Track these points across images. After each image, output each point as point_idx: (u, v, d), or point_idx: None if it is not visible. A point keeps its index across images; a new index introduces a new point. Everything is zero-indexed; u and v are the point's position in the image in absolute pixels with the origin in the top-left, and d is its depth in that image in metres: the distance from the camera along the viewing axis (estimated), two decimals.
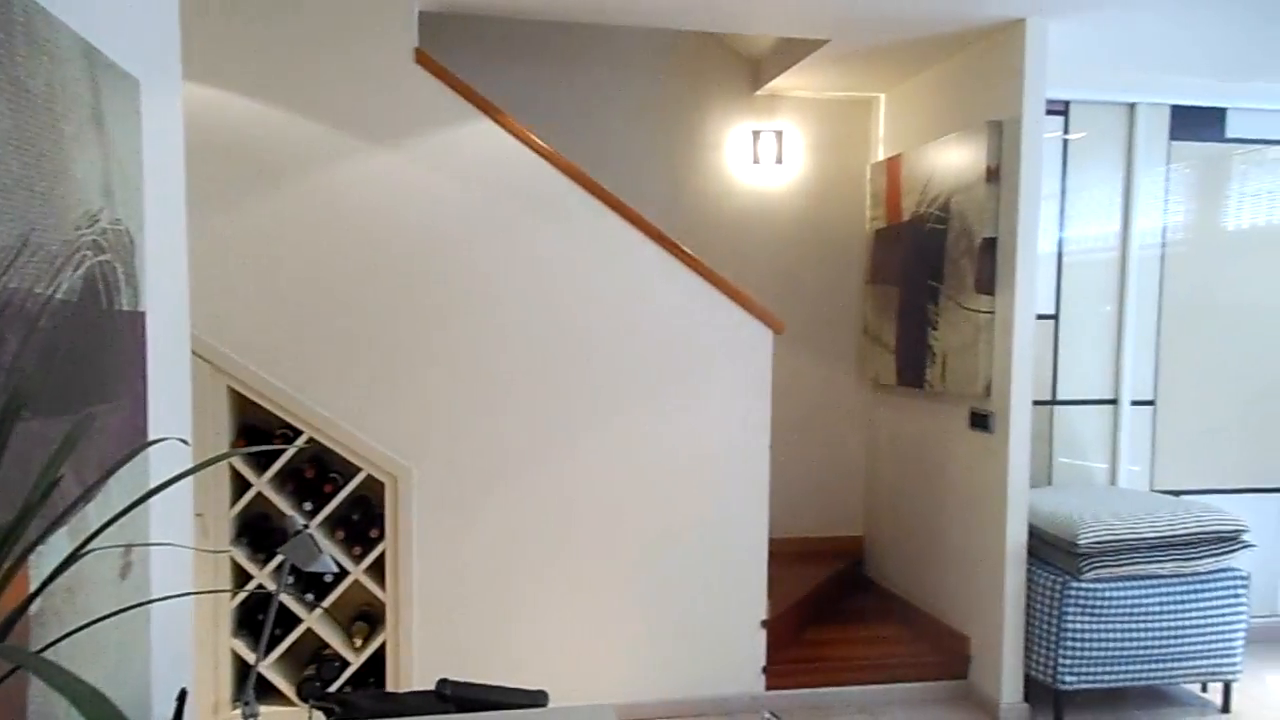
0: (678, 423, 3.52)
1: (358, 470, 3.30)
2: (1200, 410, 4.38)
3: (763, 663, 3.64)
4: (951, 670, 3.83)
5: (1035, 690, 3.63)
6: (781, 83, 4.48)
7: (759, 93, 4.65)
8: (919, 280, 4.13)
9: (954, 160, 3.84)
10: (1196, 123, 4.29)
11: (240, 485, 3.25)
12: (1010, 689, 3.60)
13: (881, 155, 4.67)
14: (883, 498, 4.69)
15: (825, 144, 4.77)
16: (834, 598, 4.49)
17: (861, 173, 4.78)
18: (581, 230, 3.41)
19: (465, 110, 3.28)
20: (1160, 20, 3.46)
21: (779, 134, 4.67)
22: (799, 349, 4.79)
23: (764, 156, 4.66)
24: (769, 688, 3.65)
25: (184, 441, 1.68)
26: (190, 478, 2.03)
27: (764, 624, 3.64)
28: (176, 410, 1.96)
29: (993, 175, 3.61)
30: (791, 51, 4.15)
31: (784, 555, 4.61)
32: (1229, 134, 4.32)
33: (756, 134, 4.65)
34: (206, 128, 3.12)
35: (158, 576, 1.79)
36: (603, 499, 3.49)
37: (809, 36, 3.79)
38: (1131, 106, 4.21)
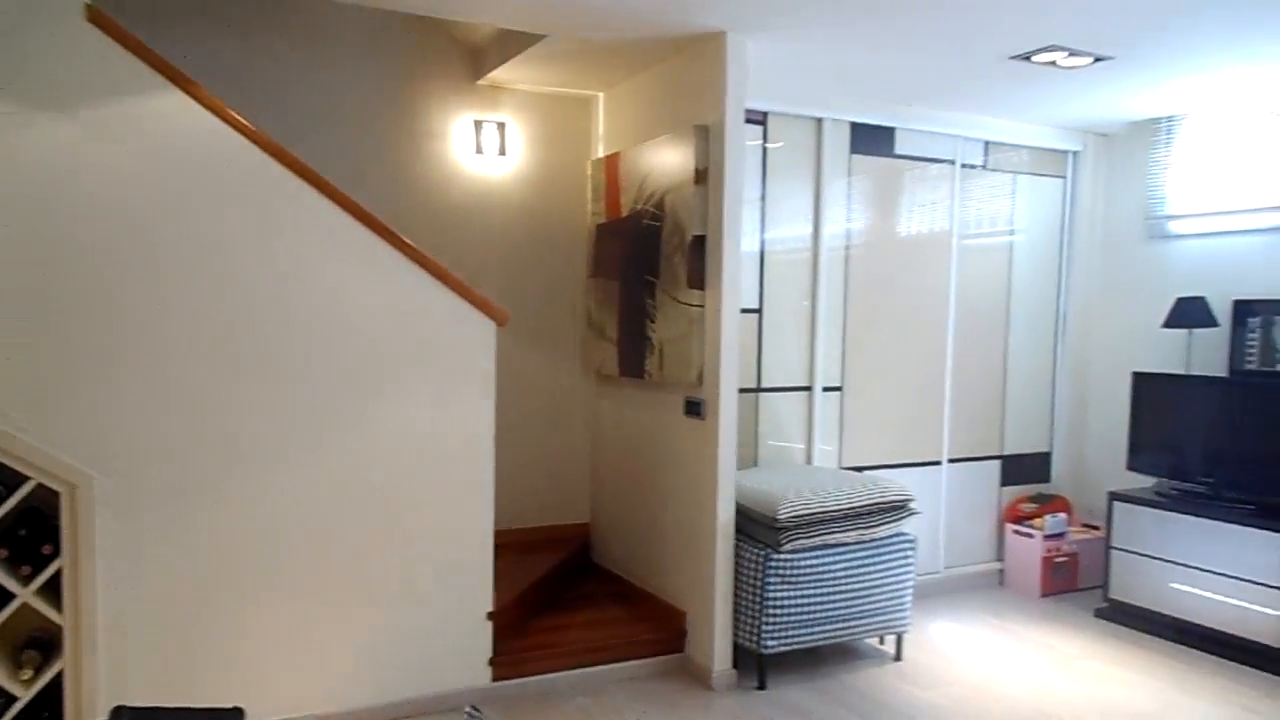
0: (395, 417, 3.43)
1: (25, 479, 2.91)
2: (877, 395, 4.94)
3: (489, 654, 3.64)
4: (670, 645, 4.03)
5: (743, 656, 3.92)
6: (503, 74, 4.48)
7: (481, 83, 4.62)
8: (637, 274, 4.31)
9: (667, 161, 4.04)
10: (871, 139, 4.82)
11: None
12: (721, 657, 3.86)
13: (602, 152, 4.82)
14: (607, 485, 4.85)
15: (548, 138, 4.83)
16: (561, 585, 4.58)
17: (583, 168, 4.90)
18: (285, 214, 3.21)
19: (149, 78, 2.97)
20: (838, 48, 3.83)
21: (501, 126, 4.67)
22: (524, 341, 4.83)
23: (487, 147, 4.65)
24: (496, 679, 3.66)
25: None
26: None
27: (490, 616, 3.64)
28: None
29: (701, 177, 3.83)
30: (511, 43, 4.17)
31: (512, 546, 4.65)
32: (897, 151, 4.90)
33: (479, 124, 4.62)
34: None
35: None
36: (314, 501, 3.32)
37: (526, 30, 3.82)
38: (819, 121, 4.65)
